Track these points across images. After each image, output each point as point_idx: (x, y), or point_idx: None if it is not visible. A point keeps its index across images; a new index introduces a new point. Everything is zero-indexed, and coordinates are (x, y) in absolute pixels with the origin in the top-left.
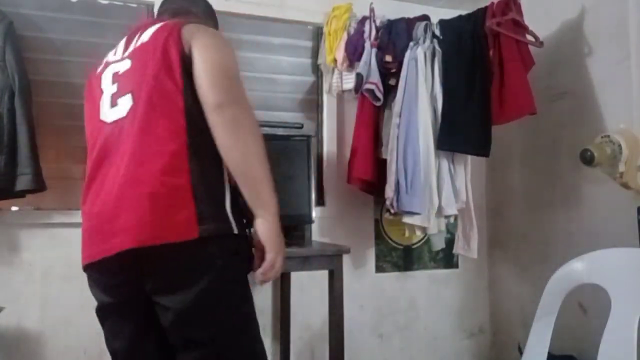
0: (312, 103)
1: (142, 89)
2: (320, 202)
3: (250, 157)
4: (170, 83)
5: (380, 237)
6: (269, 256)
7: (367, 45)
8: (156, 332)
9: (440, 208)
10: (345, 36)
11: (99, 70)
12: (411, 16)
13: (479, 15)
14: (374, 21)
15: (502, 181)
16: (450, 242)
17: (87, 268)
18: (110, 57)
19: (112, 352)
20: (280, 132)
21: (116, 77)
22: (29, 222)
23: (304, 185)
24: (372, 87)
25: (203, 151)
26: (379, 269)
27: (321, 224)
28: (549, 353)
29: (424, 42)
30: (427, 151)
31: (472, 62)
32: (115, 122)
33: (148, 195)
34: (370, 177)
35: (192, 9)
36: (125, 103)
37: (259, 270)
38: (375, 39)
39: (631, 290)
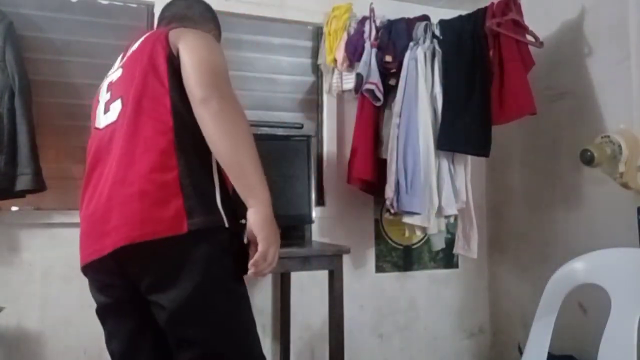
0: (312, 103)
1: (130, 92)
2: (320, 202)
3: (238, 148)
4: (156, 84)
5: (380, 237)
6: (261, 246)
7: (367, 45)
8: (152, 332)
9: (440, 208)
10: (345, 36)
11: (101, 84)
12: (411, 16)
13: (479, 16)
14: (374, 21)
15: (502, 181)
16: (450, 242)
17: (84, 270)
18: (110, 71)
19: (111, 353)
20: (280, 132)
21: (110, 86)
22: (29, 222)
23: (304, 185)
24: (372, 87)
25: (191, 148)
26: (379, 269)
27: (321, 224)
28: (549, 353)
29: (424, 42)
30: (427, 151)
31: (472, 62)
32: (107, 126)
33: (137, 194)
34: (370, 177)
35: (188, 14)
36: (116, 108)
37: (252, 263)
38: (375, 39)
39: (631, 290)
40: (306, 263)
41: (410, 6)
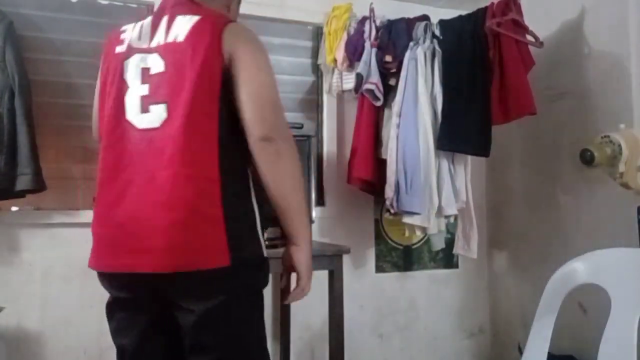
0: (312, 103)
1: (179, 104)
2: (320, 202)
3: (294, 191)
4: (208, 106)
5: (380, 237)
6: (302, 282)
7: (367, 45)
8: (166, 330)
9: (440, 208)
10: (345, 36)
11: (119, 49)
12: (411, 16)
13: (479, 16)
14: (374, 21)
15: (502, 181)
16: (450, 242)
17: (102, 273)
18: (133, 39)
19: (120, 348)
20: None
21: (146, 76)
22: (29, 222)
23: (304, 185)
24: (372, 87)
25: (234, 176)
26: (379, 269)
27: (321, 224)
28: (549, 353)
29: (424, 42)
30: (427, 151)
31: (472, 62)
32: (146, 130)
33: (182, 221)
34: (370, 177)
35: None
36: (159, 113)
37: (291, 296)
38: (375, 39)
39: (631, 290)
40: None
41: (410, 6)
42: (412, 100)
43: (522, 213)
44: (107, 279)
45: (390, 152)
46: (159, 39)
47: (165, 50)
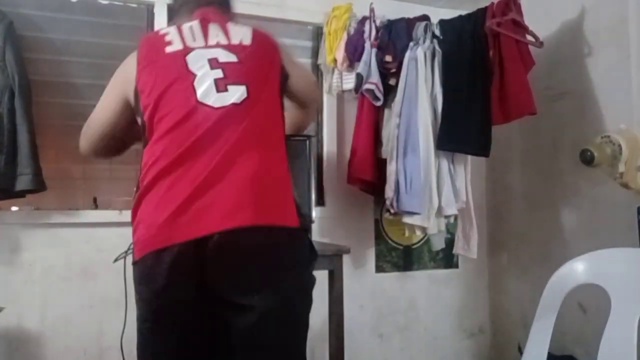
0: None
1: (259, 89)
2: (320, 202)
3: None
4: (276, 94)
5: (380, 237)
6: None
7: (367, 45)
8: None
9: (440, 208)
10: (345, 36)
11: (171, 49)
12: (411, 16)
13: (479, 16)
14: (374, 21)
15: (502, 181)
16: (450, 242)
17: (157, 256)
18: (188, 40)
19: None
20: None
21: (216, 63)
22: (29, 222)
23: (304, 185)
24: (372, 87)
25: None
26: (379, 269)
27: (321, 224)
28: (549, 353)
29: (424, 42)
30: (427, 151)
31: (472, 62)
32: (225, 107)
33: (275, 184)
34: (370, 177)
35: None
36: (238, 92)
37: None
38: (375, 39)
39: (631, 290)
40: None
41: (410, 6)
42: (412, 100)
43: (522, 213)
44: (155, 264)
45: (390, 152)
46: (218, 39)
47: (234, 48)
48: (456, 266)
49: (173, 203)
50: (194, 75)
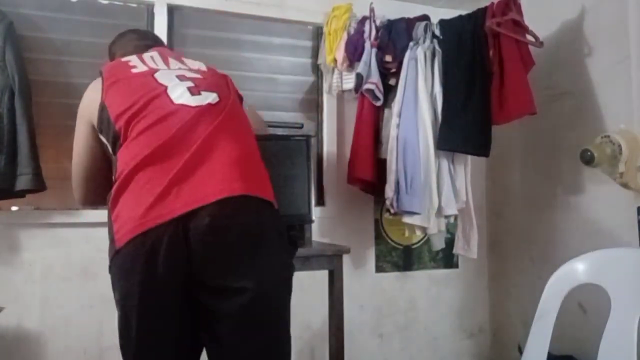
0: (312, 103)
1: (227, 97)
2: (320, 202)
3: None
4: (242, 108)
5: (380, 237)
6: None
7: (367, 45)
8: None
9: (440, 208)
10: (345, 36)
11: (137, 70)
12: (411, 16)
13: (479, 15)
14: (374, 21)
15: (502, 181)
16: (450, 242)
17: (149, 235)
18: (150, 64)
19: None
20: (280, 132)
21: (184, 78)
22: (29, 222)
23: (304, 185)
24: (372, 87)
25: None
26: (379, 269)
27: (321, 224)
28: (549, 353)
29: (424, 42)
30: (427, 151)
31: (472, 62)
32: (202, 106)
33: (256, 167)
34: (370, 177)
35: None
36: (212, 96)
37: None
38: (375, 39)
39: (631, 290)
40: (306, 263)
41: (410, 6)
42: (412, 100)
43: (522, 213)
44: (149, 248)
45: (390, 152)
46: (178, 65)
47: (195, 70)
48: (456, 266)
49: (155, 190)
50: (166, 87)
